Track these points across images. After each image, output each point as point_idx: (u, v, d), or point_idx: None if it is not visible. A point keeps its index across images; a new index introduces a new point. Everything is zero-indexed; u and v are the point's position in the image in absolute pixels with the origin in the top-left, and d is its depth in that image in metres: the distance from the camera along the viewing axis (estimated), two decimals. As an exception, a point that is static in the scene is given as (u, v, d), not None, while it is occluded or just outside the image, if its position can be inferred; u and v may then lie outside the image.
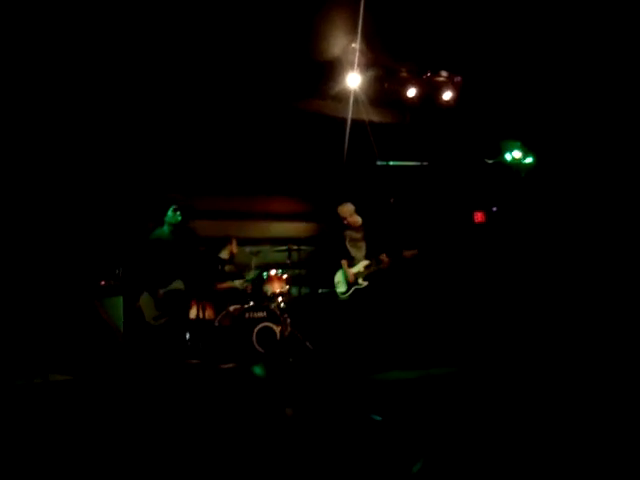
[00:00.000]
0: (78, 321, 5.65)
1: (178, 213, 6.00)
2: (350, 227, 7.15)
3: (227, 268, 6.89)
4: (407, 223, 7.55)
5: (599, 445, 3.47)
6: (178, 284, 5.89)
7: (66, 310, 5.71)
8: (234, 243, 7.05)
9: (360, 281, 6.92)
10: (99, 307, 5.56)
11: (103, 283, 5.99)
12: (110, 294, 5.95)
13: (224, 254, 6.96)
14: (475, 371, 5.77)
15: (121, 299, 6.00)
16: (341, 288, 7.09)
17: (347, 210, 7.17)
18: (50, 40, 5.86)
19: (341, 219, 7.17)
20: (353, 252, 7.10)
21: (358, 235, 7.16)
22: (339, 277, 7.15)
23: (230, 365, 5.79)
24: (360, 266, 6.99)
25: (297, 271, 7.27)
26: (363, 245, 7.15)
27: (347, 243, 7.12)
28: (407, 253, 6.82)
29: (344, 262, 7.06)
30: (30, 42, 5.82)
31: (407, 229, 7.41)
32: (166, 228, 6.06)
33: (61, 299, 5.72)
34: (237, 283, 6.87)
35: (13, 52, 5.80)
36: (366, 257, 7.02)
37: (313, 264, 7.91)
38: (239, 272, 7.06)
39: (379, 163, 8.01)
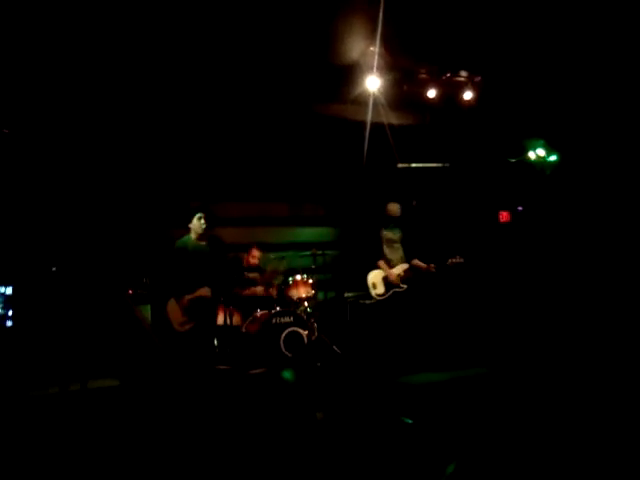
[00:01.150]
0: (113, 323, 5.72)
1: (203, 221, 6.03)
2: (390, 227, 7.08)
3: (251, 275, 6.92)
4: (433, 226, 7.47)
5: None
6: (205, 290, 5.91)
7: (99, 314, 5.81)
8: (252, 252, 7.11)
9: (400, 284, 6.85)
10: (133, 306, 5.53)
11: (131, 292, 6.06)
12: (138, 303, 6.02)
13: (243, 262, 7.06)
14: (506, 372, 5.71)
15: (149, 307, 6.08)
16: (379, 289, 6.95)
17: (397, 209, 7.11)
18: (73, 55, 5.99)
19: (390, 217, 7.08)
20: (389, 254, 7.01)
21: (395, 237, 7.08)
22: (375, 278, 7.01)
23: (260, 370, 5.80)
24: (400, 269, 6.91)
25: (322, 276, 7.24)
26: (400, 247, 7.06)
27: (384, 244, 7.04)
28: (451, 261, 6.74)
29: (381, 263, 6.97)
30: (50, 58, 5.96)
31: (436, 232, 7.32)
32: (192, 235, 6.09)
33: (92, 305, 5.81)
34: (258, 290, 6.89)
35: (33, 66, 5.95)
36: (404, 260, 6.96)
37: (338, 268, 7.90)
38: (262, 278, 7.10)
39: (400, 165, 7.99)
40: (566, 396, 4.63)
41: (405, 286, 6.84)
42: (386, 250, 7.02)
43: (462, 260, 6.74)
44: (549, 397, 4.63)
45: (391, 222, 7.09)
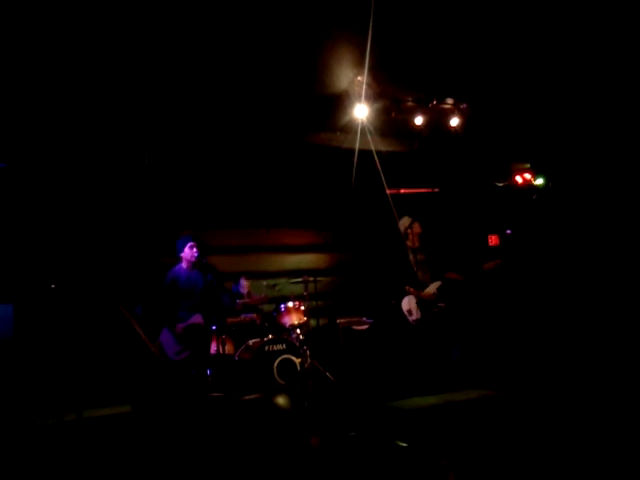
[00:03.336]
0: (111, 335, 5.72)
1: (195, 249, 6.06)
2: (414, 248, 6.96)
3: (240, 302, 6.95)
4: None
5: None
6: (198, 318, 5.92)
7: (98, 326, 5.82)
8: (240, 282, 7.15)
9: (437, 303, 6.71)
10: (130, 318, 5.44)
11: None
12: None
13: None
14: (502, 394, 5.72)
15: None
16: (415, 315, 6.71)
17: (419, 226, 7.05)
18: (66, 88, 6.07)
19: (416, 234, 6.99)
20: (422, 276, 6.82)
21: (423, 256, 6.94)
22: (409, 304, 6.76)
23: (254, 396, 5.77)
24: (433, 288, 6.77)
25: (314, 302, 7.24)
26: (428, 267, 6.91)
27: (417, 268, 6.87)
28: (488, 265, 6.64)
29: (409, 288, 6.76)
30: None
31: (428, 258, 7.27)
32: (184, 264, 6.11)
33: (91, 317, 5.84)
34: (249, 317, 6.90)
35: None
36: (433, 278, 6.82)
37: (330, 294, 7.91)
38: (254, 306, 7.12)
39: (389, 192, 8.07)
40: (561, 415, 4.63)
41: (443, 304, 6.71)
42: (419, 273, 6.83)
43: (500, 262, 6.66)
44: (547, 419, 4.63)
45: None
